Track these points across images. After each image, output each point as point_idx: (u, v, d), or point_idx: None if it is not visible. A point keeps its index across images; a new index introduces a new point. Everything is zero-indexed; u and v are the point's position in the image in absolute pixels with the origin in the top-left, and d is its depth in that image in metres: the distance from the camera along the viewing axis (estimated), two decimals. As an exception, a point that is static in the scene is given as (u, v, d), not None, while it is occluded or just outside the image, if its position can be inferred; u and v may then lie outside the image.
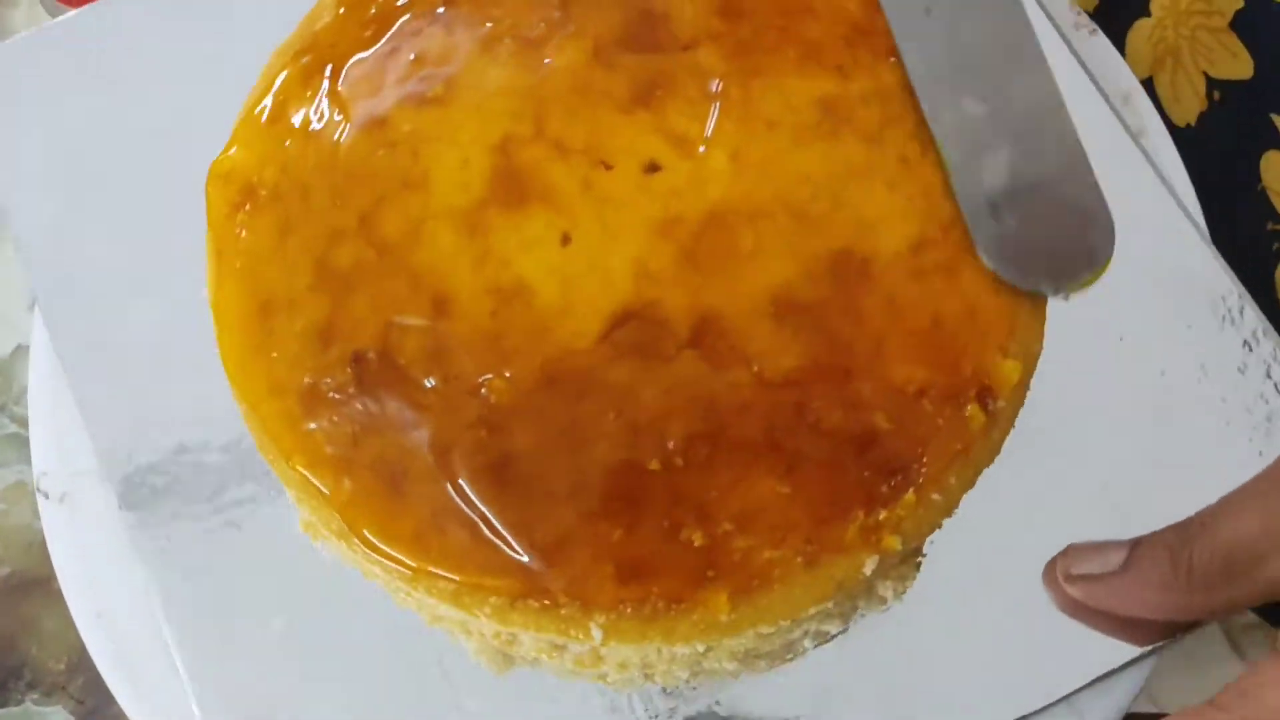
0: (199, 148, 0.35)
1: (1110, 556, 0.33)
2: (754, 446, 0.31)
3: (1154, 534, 0.33)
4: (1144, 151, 0.40)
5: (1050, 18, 0.42)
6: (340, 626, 0.36)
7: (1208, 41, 0.44)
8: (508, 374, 0.31)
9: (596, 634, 0.31)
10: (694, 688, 0.36)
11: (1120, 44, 0.47)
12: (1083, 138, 0.33)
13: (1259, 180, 0.44)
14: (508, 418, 0.31)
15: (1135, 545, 0.33)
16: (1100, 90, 0.41)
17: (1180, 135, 0.43)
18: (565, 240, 0.32)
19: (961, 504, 0.32)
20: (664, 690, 0.36)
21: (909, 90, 0.34)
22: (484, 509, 0.31)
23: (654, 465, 0.31)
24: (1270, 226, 0.44)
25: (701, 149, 0.33)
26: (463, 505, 0.31)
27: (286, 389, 0.32)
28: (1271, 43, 0.42)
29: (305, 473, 0.32)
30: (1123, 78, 0.42)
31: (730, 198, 0.33)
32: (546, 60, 0.34)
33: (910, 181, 0.33)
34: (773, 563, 0.30)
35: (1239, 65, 0.43)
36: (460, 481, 0.31)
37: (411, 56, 0.34)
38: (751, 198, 0.33)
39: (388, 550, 0.31)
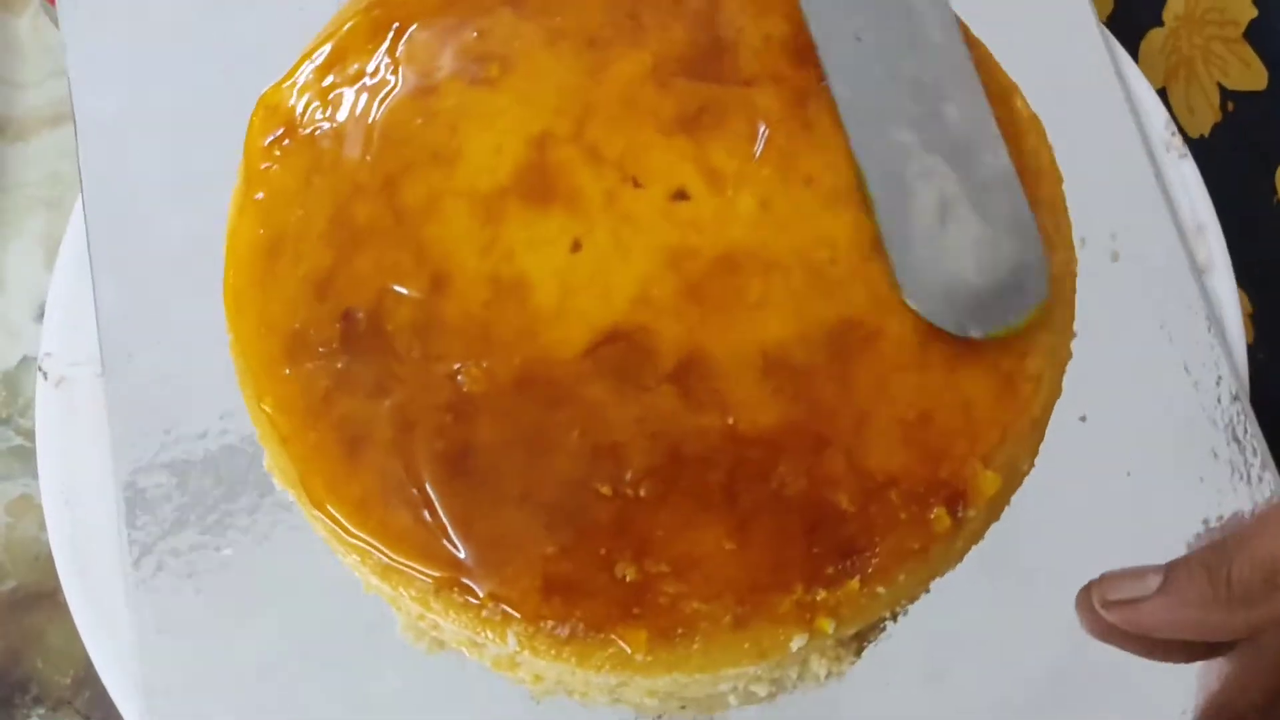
0: (265, 78, 0.36)
1: (1147, 580, 0.32)
2: (710, 495, 0.30)
3: (1189, 555, 0.32)
4: (1205, 295, 0.39)
5: (1143, 133, 0.41)
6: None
7: (1221, 52, 0.43)
8: (486, 365, 0.31)
9: (512, 641, 0.30)
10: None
11: (1134, 53, 0.46)
12: (1148, 271, 0.32)
13: (1275, 193, 0.43)
14: (476, 409, 0.31)
15: (1171, 567, 0.32)
16: (1176, 222, 0.40)
17: (1194, 146, 0.42)
18: (575, 247, 0.32)
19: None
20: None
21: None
22: (431, 493, 0.31)
23: (605, 490, 0.30)
24: None
25: (733, 189, 0.32)
26: (411, 484, 0.31)
27: (275, 330, 0.32)
28: None
29: (273, 416, 0.32)
30: (1200, 209, 0.40)
31: (749, 243, 0.32)
32: (604, 66, 0.34)
33: (936, 267, 0.32)
34: (699, 615, 0.30)
35: (1253, 76, 0.42)
36: (415, 461, 0.31)
37: (475, 34, 0.34)
38: (770, 247, 0.32)
39: (331, 510, 0.31)
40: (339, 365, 0.32)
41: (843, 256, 0.32)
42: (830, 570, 0.30)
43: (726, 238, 0.32)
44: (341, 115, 0.34)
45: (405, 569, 0.30)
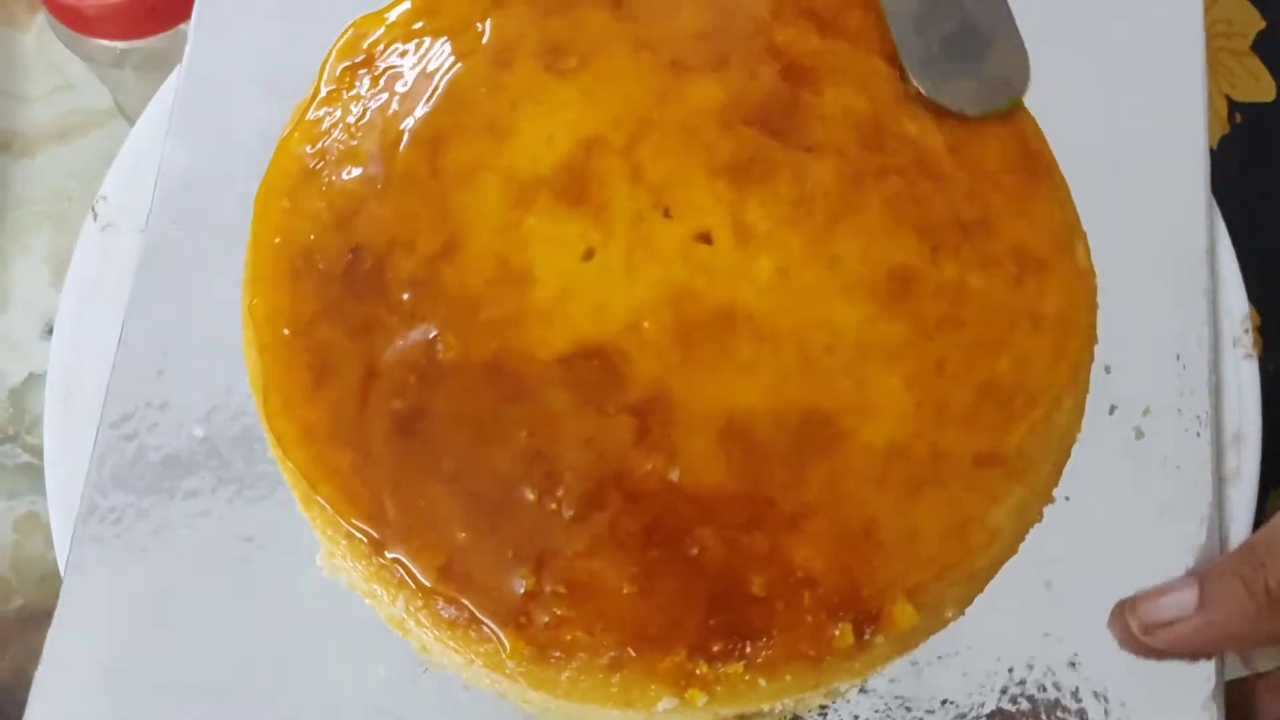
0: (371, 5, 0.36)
1: (1183, 598, 0.32)
2: (629, 535, 0.30)
3: (1220, 565, 0.32)
4: (1220, 504, 0.37)
5: (1215, 323, 0.39)
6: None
7: (1229, 64, 0.42)
8: (465, 340, 0.32)
9: (401, 606, 0.31)
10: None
11: None
12: (1167, 465, 0.33)
13: None
14: (441, 378, 0.31)
15: (1205, 581, 0.32)
16: (1215, 423, 0.38)
17: None
18: (588, 255, 0.32)
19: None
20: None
21: (984, 306, 0.32)
22: (374, 443, 0.31)
23: (531, 496, 0.30)
24: None
25: (757, 247, 0.32)
26: (359, 429, 0.31)
27: (289, 241, 0.33)
28: None
29: (258, 320, 0.33)
30: (1247, 419, 0.38)
31: (754, 305, 0.32)
32: (677, 90, 0.34)
33: (930, 389, 0.31)
34: (578, 644, 0.30)
35: (1261, 88, 0.42)
36: (370, 408, 0.31)
37: (568, 22, 0.35)
38: (773, 317, 0.32)
39: (281, 424, 0.32)
40: (333, 294, 0.33)
41: (841, 348, 0.31)
42: (718, 646, 0.30)
43: (734, 293, 0.32)
44: (415, 61, 0.34)
45: (324, 506, 0.31)
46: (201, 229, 0.38)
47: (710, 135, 0.33)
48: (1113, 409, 0.35)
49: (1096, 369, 0.34)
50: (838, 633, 0.30)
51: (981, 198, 0.33)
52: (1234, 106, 0.44)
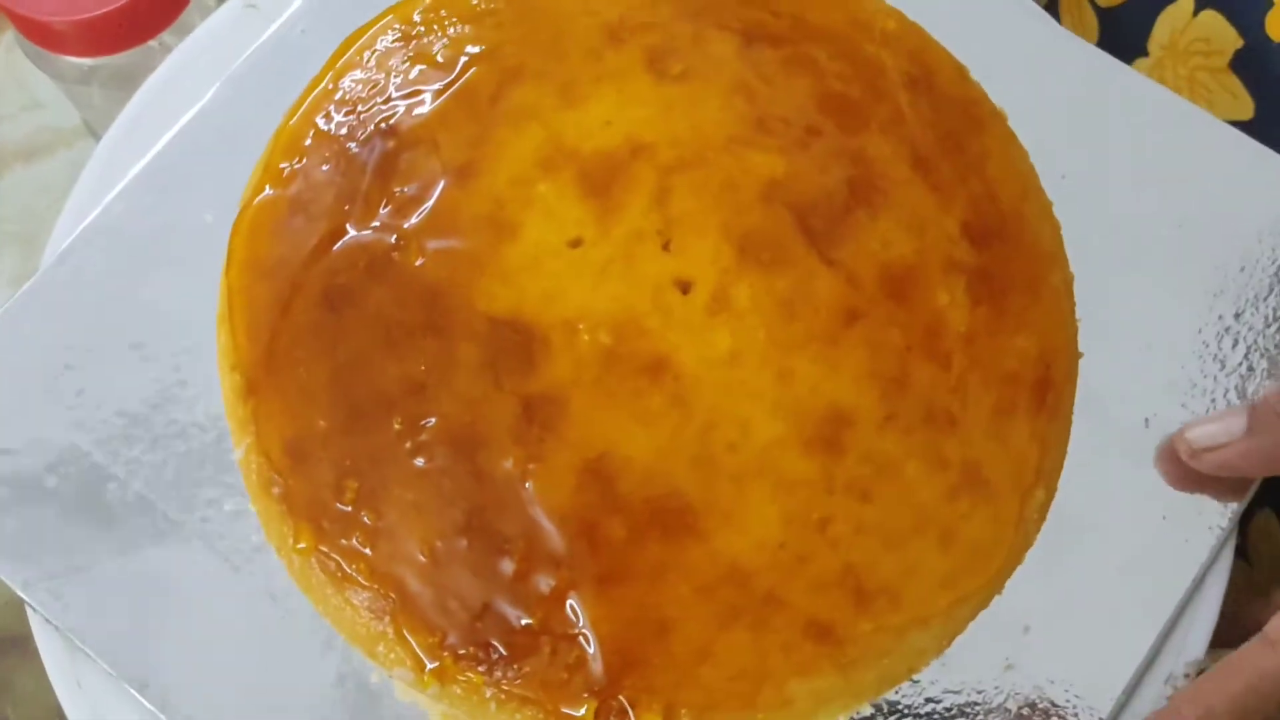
0: None
1: (1231, 424, 0.32)
2: (453, 509, 0.30)
3: (1267, 393, 0.33)
4: None
5: None
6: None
7: (1207, 82, 0.41)
8: (427, 253, 0.32)
9: (244, 452, 0.31)
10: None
11: None
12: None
13: None
14: (385, 276, 0.32)
15: (1254, 409, 0.32)
16: None
17: None
18: (575, 243, 0.32)
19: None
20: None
21: (903, 498, 0.30)
22: (299, 297, 0.32)
23: (396, 425, 0.31)
24: None
25: (724, 320, 0.31)
26: (294, 276, 0.32)
27: (330, 104, 0.34)
28: (1272, 82, 0.40)
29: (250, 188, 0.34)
30: None
31: (688, 369, 0.31)
32: (745, 144, 0.33)
33: (801, 539, 0.30)
34: (356, 581, 0.30)
35: (1240, 106, 0.41)
36: (314, 266, 0.32)
37: (695, 31, 0.34)
38: (699, 389, 0.31)
39: (239, 243, 0.33)
40: (345, 157, 0.33)
41: (742, 453, 0.30)
42: (469, 650, 0.29)
43: (678, 348, 0.31)
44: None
45: (231, 334, 0.32)
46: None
47: (748, 200, 0.32)
48: None
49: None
50: (582, 711, 0.29)
51: (967, 400, 0.31)
52: None
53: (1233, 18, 0.41)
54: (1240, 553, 0.49)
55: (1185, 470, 0.33)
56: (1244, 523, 0.48)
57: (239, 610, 0.30)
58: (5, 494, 0.31)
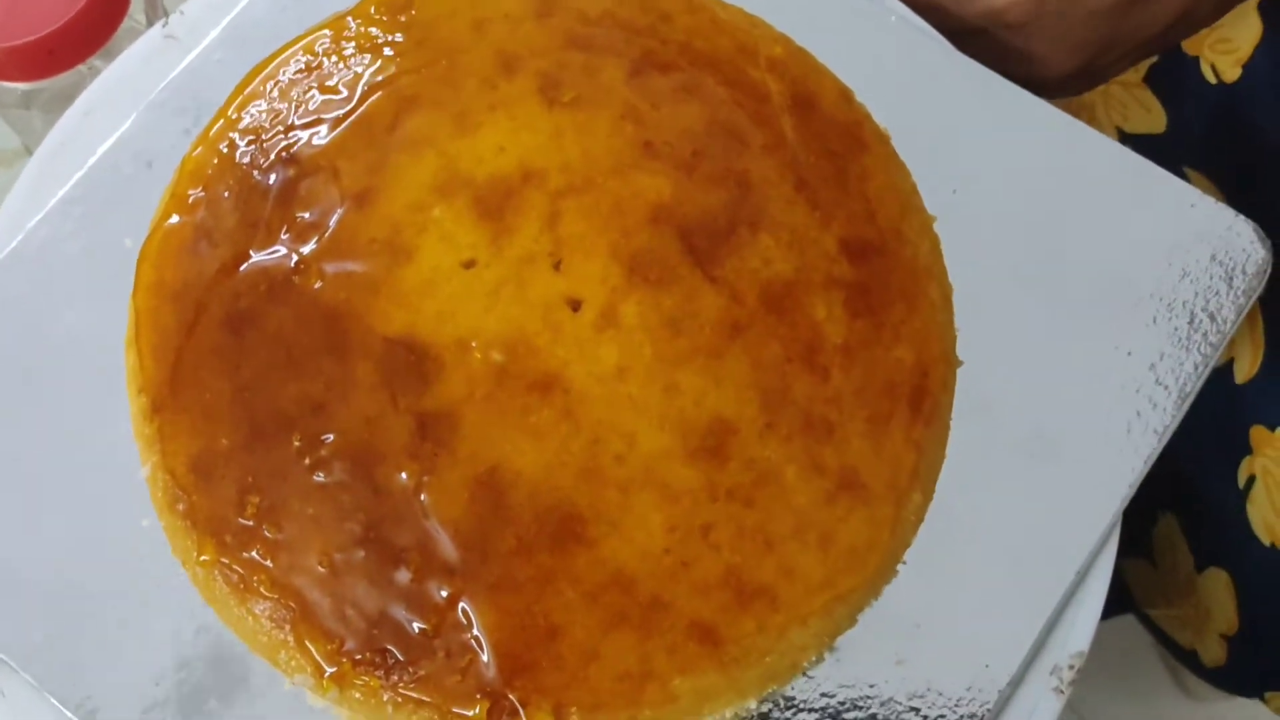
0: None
1: None
2: (351, 521, 0.31)
3: None
4: None
5: None
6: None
7: (1121, 96, 0.43)
8: (325, 275, 0.33)
9: (150, 470, 0.32)
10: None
11: None
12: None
13: None
14: (286, 299, 0.33)
15: None
16: None
17: None
18: (468, 264, 0.33)
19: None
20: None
21: (783, 501, 0.32)
22: (204, 319, 0.33)
23: (296, 442, 0.32)
24: None
25: (613, 338, 0.33)
26: (199, 298, 0.33)
27: (235, 137, 0.35)
28: (1185, 96, 0.41)
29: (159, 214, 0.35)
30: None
31: (577, 385, 0.32)
32: (633, 167, 0.34)
33: (685, 545, 0.31)
34: (258, 593, 0.31)
35: (1152, 119, 0.42)
36: (218, 288, 0.33)
37: (586, 64, 0.36)
38: (586, 403, 0.32)
39: (146, 268, 0.34)
40: (248, 185, 0.34)
41: (629, 464, 0.32)
42: (366, 655, 0.30)
43: (567, 364, 0.32)
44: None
45: (137, 357, 0.33)
46: None
47: (635, 222, 0.34)
48: None
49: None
50: (475, 711, 0.30)
51: (844, 409, 0.33)
52: (1124, 137, 0.44)
53: None
54: (1146, 555, 0.51)
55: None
56: (1148, 526, 0.50)
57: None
58: None
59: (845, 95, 0.37)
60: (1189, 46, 0.42)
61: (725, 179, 0.35)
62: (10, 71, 0.43)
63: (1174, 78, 0.43)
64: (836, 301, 0.34)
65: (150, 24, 0.46)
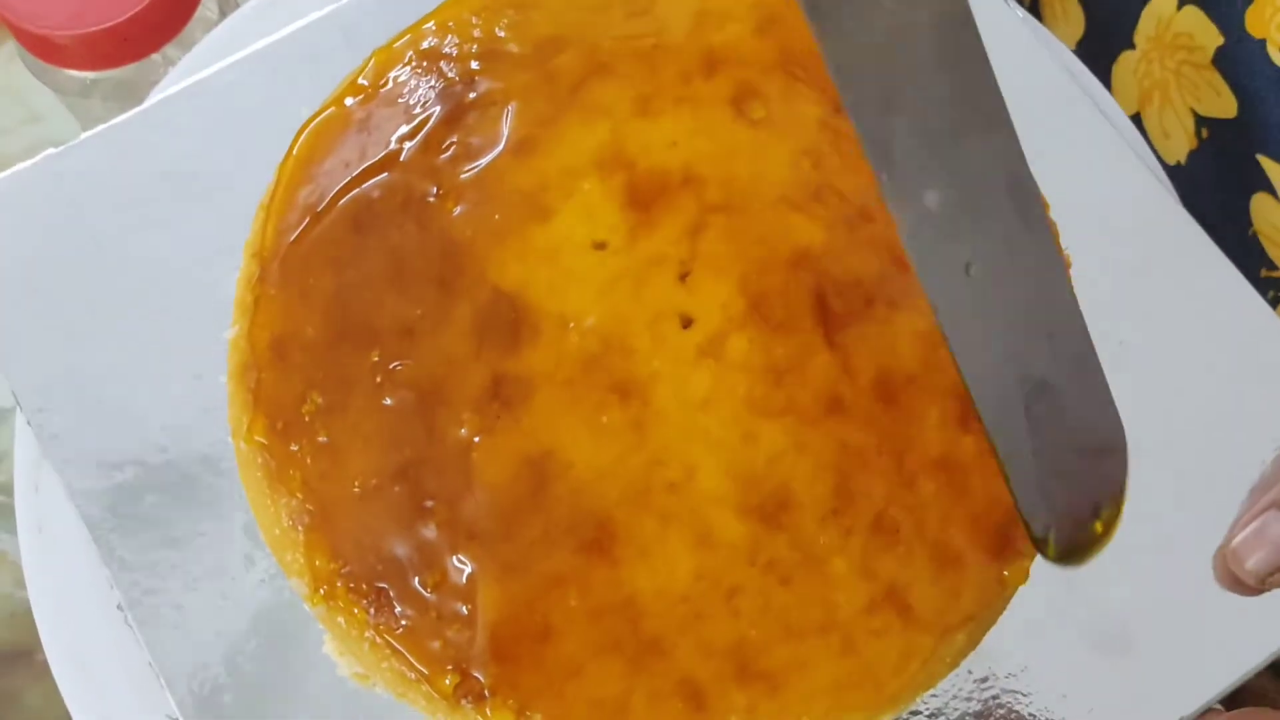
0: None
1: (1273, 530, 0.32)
2: (391, 444, 0.31)
3: None
4: None
5: None
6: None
7: (1193, 77, 0.41)
8: (464, 208, 0.33)
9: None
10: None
11: (1105, 77, 0.45)
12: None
13: (1250, 224, 0.42)
14: (417, 214, 0.33)
15: None
16: None
17: (1171, 174, 0.41)
18: (600, 247, 0.32)
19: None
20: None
21: (819, 594, 0.30)
22: (320, 226, 0.33)
23: (375, 357, 0.31)
24: (1264, 273, 0.42)
25: (714, 371, 0.31)
26: (317, 211, 0.33)
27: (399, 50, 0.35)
28: (1252, 80, 0.39)
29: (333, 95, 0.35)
30: None
31: (656, 399, 0.31)
32: (800, 208, 0.33)
33: (715, 581, 0.30)
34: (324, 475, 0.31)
35: (1223, 103, 0.41)
36: (337, 196, 0.33)
37: (783, 86, 0.34)
38: (660, 420, 0.31)
39: (281, 172, 0.34)
40: (407, 94, 0.34)
41: (682, 491, 0.30)
42: (373, 585, 0.30)
43: (657, 377, 0.31)
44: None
45: (251, 240, 0.34)
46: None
47: (776, 260, 0.32)
48: None
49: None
50: (445, 681, 0.29)
51: (918, 524, 0.31)
52: (1200, 121, 0.42)
53: (1213, 14, 0.40)
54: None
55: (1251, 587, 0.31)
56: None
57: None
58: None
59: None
60: (1253, 28, 0.39)
61: (881, 249, 0.33)
62: (83, 59, 0.42)
63: (1240, 61, 0.40)
64: (952, 412, 0.32)
65: (223, 14, 0.45)
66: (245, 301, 0.33)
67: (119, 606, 0.31)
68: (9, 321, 0.34)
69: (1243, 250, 0.43)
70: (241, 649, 0.30)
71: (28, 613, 0.31)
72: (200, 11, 0.43)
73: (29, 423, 0.33)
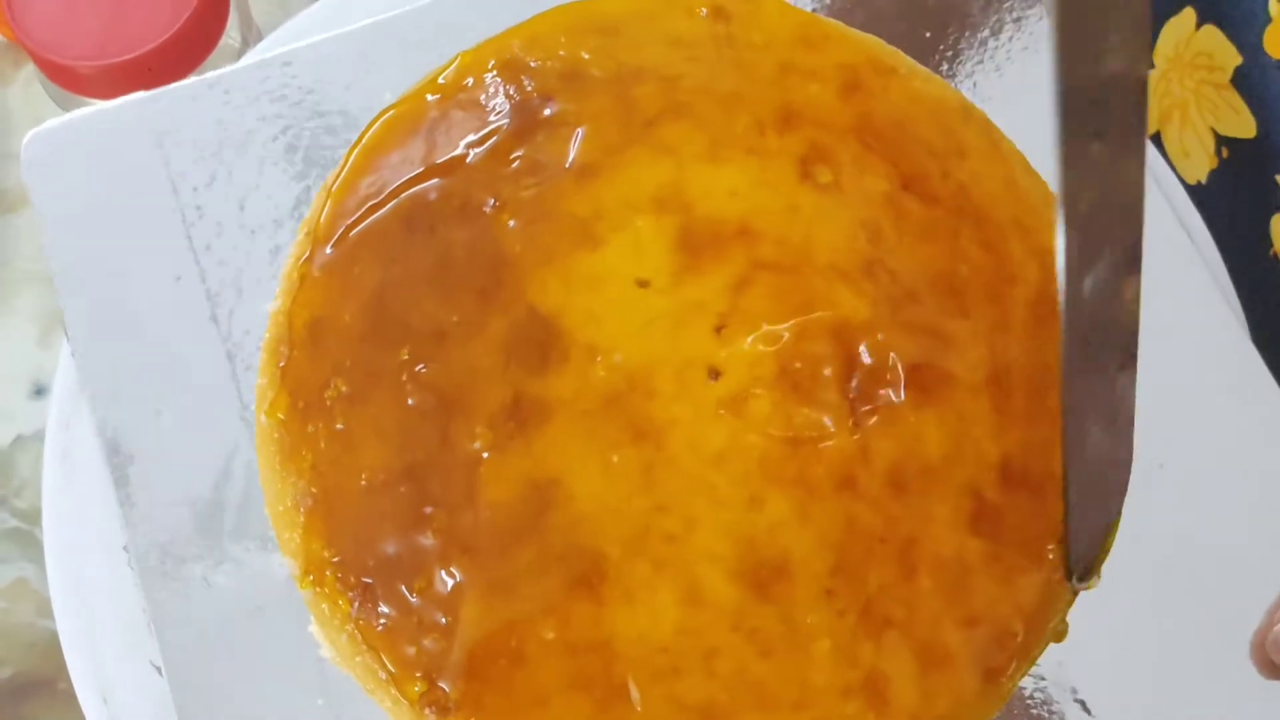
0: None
1: None
2: (405, 449, 0.31)
3: None
4: None
5: None
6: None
7: (1212, 97, 0.41)
8: (516, 220, 0.33)
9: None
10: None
11: None
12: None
13: (1271, 245, 0.42)
14: (467, 220, 0.33)
15: None
16: None
17: (1192, 193, 0.41)
18: (642, 285, 0.32)
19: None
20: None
21: (809, 659, 0.30)
22: (375, 217, 0.33)
23: (404, 355, 0.32)
24: None
25: (728, 426, 0.31)
26: (374, 202, 0.34)
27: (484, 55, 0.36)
28: (1272, 100, 0.40)
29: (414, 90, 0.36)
30: None
31: (669, 445, 0.31)
32: (846, 276, 0.32)
33: (701, 635, 0.30)
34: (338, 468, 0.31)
35: (1242, 123, 0.41)
36: (397, 191, 0.34)
37: (854, 156, 0.34)
38: (671, 467, 0.31)
39: (350, 156, 0.35)
40: (485, 100, 0.34)
41: (680, 543, 0.30)
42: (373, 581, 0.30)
43: (675, 424, 0.31)
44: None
45: (310, 217, 0.34)
46: None
47: (816, 329, 0.32)
48: None
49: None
50: (414, 688, 0.30)
51: (911, 619, 0.30)
52: (1220, 140, 0.42)
53: (1231, 34, 0.40)
54: None
55: None
56: None
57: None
58: None
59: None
60: (1271, 48, 0.39)
61: (924, 334, 0.32)
62: (107, 89, 0.41)
63: (1259, 81, 0.40)
64: (964, 513, 0.31)
65: (246, 44, 0.46)
66: (292, 277, 0.33)
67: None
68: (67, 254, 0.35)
69: (1264, 273, 0.42)
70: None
71: (49, 641, 0.32)
72: (224, 41, 0.43)
73: (73, 354, 0.35)
